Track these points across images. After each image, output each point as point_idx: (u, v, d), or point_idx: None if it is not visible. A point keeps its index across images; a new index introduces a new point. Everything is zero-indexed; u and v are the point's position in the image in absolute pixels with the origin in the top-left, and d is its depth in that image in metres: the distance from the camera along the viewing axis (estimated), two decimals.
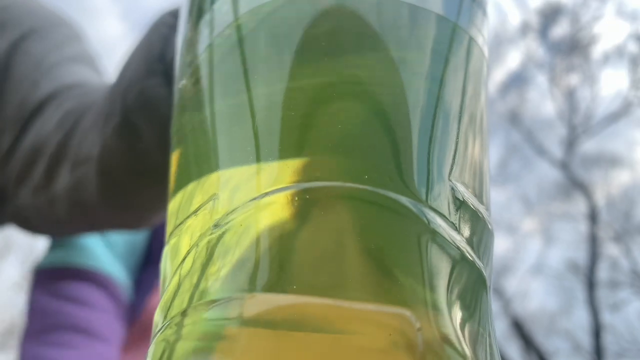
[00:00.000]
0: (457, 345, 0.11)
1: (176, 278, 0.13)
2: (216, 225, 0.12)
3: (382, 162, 0.12)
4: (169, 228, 0.15)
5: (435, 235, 0.12)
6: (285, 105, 0.13)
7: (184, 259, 0.13)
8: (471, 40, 0.15)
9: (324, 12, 0.14)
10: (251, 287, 0.11)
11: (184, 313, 0.12)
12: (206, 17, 0.15)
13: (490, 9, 0.17)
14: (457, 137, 0.13)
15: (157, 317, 0.13)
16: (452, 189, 0.13)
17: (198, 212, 0.13)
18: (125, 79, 0.23)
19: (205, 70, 0.15)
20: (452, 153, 0.13)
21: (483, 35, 0.16)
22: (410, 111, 0.13)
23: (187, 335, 0.11)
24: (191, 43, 0.16)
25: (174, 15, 0.23)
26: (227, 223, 0.12)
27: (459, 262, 0.12)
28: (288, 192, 0.12)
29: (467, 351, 0.11)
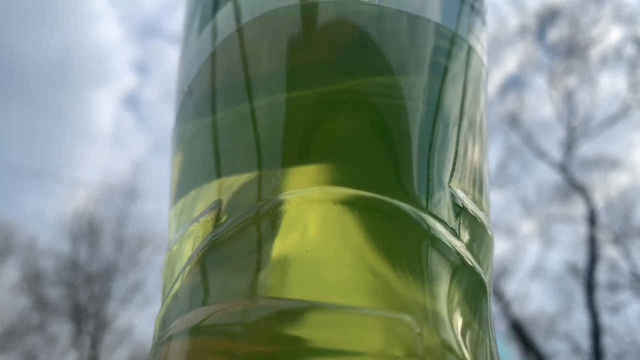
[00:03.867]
0: (457, 351, 0.11)
1: (177, 285, 0.13)
2: (218, 232, 0.12)
3: (382, 169, 0.12)
4: (170, 235, 0.15)
5: (435, 241, 0.12)
6: (287, 113, 0.13)
7: (185, 266, 0.13)
8: (470, 48, 0.15)
9: (325, 22, 0.14)
10: (253, 293, 0.11)
11: (184, 321, 0.12)
12: (208, 26, 0.15)
13: (489, 12, 0.17)
14: (457, 144, 0.14)
15: (157, 325, 0.13)
16: (452, 195, 0.13)
17: (200, 219, 0.13)
18: None
19: (207, 79, 0.15)
20: (451, 160, 0.13)
21: (482, 43, 0.16)
22: (410, 119, 0.13)
23: (186, 342, 0.12)
24: (193, 52, 0.16)
25: None
26: (229, 229, 0.12)
27: (459, 268, 0.12)
28: (289, 199, 0.12)
29: (468, 356, 0.11)
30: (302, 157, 0.12)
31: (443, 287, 0.12)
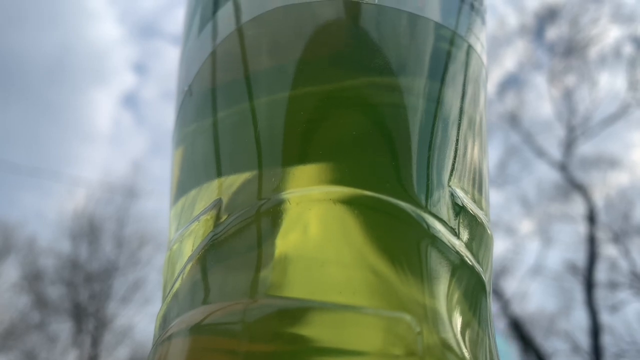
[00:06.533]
0: (456, 349, 0.11)
1: (178, 284, 0.13)
2: (218, 231, 0.13)
3: (382, 168, 0.12)
4: (170, 234, 0.15)
5: (434, 240, 0.12)
6: (287, 112, 0.13)
7: (185, 265, 0.13)
8: (470, 47, 0.15)
9: (325, 21, 0.14)
10: (253, 292, 0.11)
11: (184, 319, 0.12)
12: (208, 26, 0.15)
13: (488, 12, 0.17)
14: (457, 143, 0.14)
15: (158, 324, 0.13)
16: (452, 194, 0.13)
17: (200, 218, 0.13)
18: None
19: (207, 78, 0.15)
20: (451, 159, 0.13)
21: (482, 42, 0.16)
22: (409, 118, 0.13)
23: (187, 341, 0.12)
24: (193, 51, 0.16)
25: None
26: (229, 228, 0.12)
27: (459, 267, 0.12)
28: (289, 198, 0.12)
29: (467, 355, 0.11)
30: (302, 156, 0.13)
31: (442, 286, 0.12)
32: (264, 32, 0.14)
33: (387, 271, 0.11)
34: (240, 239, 0.12)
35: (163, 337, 0.12)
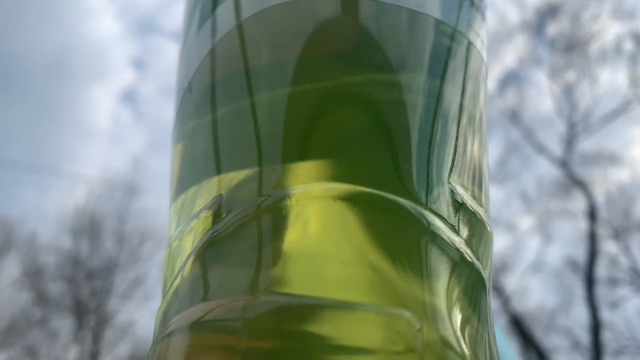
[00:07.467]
0: (456, 346, 0.11)
1: (178, 281, 0.13)
2: (218, 228, 0.13)
3: (381, 164, 0.12)
4: (170, 231, 0.15)
5: (434, 237, 0.12)
6: (287, 109, 0.13)
7: (185, 262, 0.13)
8: (470, 44, 0.15)
9: (324, 18, 0.14)
10: (253, 289, 0.11)
11: (184, 316, 0.12)
12: (208, 22, 0.15)
13: (488, 8, 0.17)
14: (457, 140, 0.14)
15: (158, 320, 0.13)
16: (452, 191, 0.13)
17: (200, 215, 0.13)
18: None
19: (206, 75, 0.15)
20: (451, 156, 0.13)
21: (482, 39, 0.16)
22: (409, 114, 0.13)
23: (187, 337, 0.12)
24: (193, 48, 0.16)
25: None
26: (229, 225, 0.12)
27: (459, 264, 0.12)
28: (289, 194, 0.12)
29: (467, 352, 0.11)
30: (302, 153, 0.13)
31: (442, 282, 0.12)
32: (263, 29, 0.14)
33: (387, 268, 0.11)
34: (240, 236, 0.12)
35: (163, 334, 0.12)
